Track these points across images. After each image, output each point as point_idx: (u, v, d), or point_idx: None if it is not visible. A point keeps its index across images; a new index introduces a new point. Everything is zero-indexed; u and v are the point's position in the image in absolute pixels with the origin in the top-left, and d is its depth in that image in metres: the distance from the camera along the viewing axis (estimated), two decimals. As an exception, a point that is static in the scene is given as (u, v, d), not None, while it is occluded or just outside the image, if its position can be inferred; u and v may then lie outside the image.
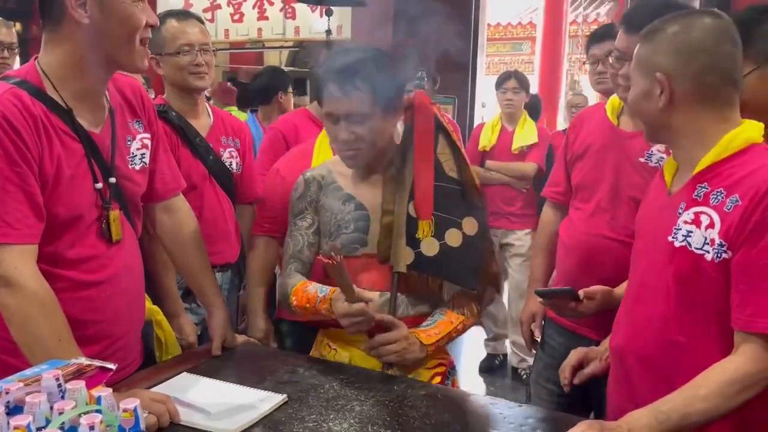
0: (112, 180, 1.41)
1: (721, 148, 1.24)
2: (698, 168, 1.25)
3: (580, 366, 1.34)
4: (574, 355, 1.36)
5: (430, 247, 1.52)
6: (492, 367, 4.00)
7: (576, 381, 1.31)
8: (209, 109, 2.24)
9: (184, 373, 1.46)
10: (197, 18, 2.17)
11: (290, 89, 3.63)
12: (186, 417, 1.25)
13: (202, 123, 2.16)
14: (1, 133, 1.23)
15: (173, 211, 1.65)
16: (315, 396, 1.36)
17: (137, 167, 1.50)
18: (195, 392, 1.38)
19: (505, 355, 4.10)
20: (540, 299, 1.70)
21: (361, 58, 1.49)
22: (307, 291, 1.52)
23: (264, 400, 1.33)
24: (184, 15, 2.13)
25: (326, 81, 1.49)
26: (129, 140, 1.48)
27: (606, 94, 2.36)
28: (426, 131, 1.56)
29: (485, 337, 4.13)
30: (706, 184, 1.24)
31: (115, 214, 1.40)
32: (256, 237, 1.94)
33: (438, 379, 1.58)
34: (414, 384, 1.46)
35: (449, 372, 1.64)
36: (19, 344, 1.25)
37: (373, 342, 1.47)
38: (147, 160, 1.53)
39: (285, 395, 1.34)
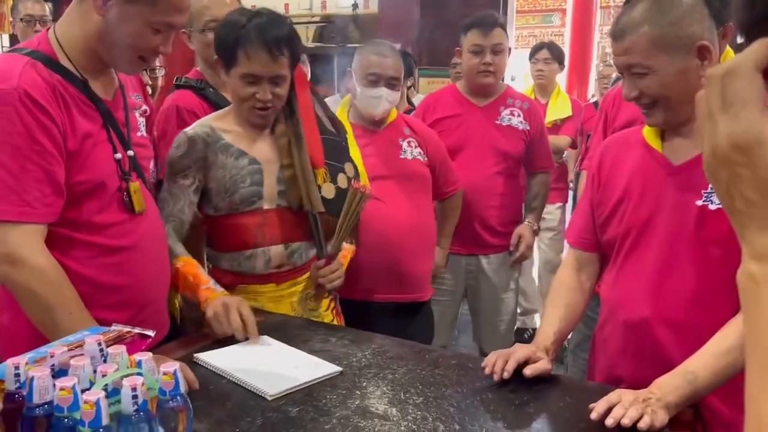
0: (131, 153, 1.44)
1: None
2: None
3: (525, 362, 1.30)
4: (521, 351, 1.31)
5: (328, 190, 1.76)
6: (522, 341, 3.97)
7: (527, 373, 1.27)
8: None
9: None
10: None
11: None
12: (236, 374, 1.31)
13: None
14: (23, 110, 1.24)
15: None
16: (347, 364, 1.38)
17: (145, 135, 1.55)
18: (253, 351, 1.44)
19: (534, 329, 4.09)
20: None
21: (287, 28, 1.65)
22: (198, 276, 1.60)
23: (318, 367, 1.35)
24: None
25: (256, 44, 1.59)
26: (136, 110, 1.52)
27: None
28: (306, 94, 1.79)
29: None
30: None
31: (135, 185, 1.43)
32: None
33: (333, 304, 1.84)
34: (445, 354, 1.47)
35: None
36: (32, 320, 1.29)
37: (323, 271, 1.70)
38: (146, 129, 1.57)
39: (341, 368, 1.35)
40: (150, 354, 0.96)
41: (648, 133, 1.39)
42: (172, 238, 1.63)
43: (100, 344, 0.99)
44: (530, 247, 2.79)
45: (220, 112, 1.77)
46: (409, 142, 2.21)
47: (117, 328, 1.13)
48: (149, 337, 1.14)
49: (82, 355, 0.95)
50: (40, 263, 1.26)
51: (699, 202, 1.27)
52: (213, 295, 1.54)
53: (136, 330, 1.14)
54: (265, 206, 1.69)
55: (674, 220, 1.30)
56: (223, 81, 2.12)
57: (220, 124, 1.71)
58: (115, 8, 1.31)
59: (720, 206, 1.25)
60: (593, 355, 1.50)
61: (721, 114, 0.50)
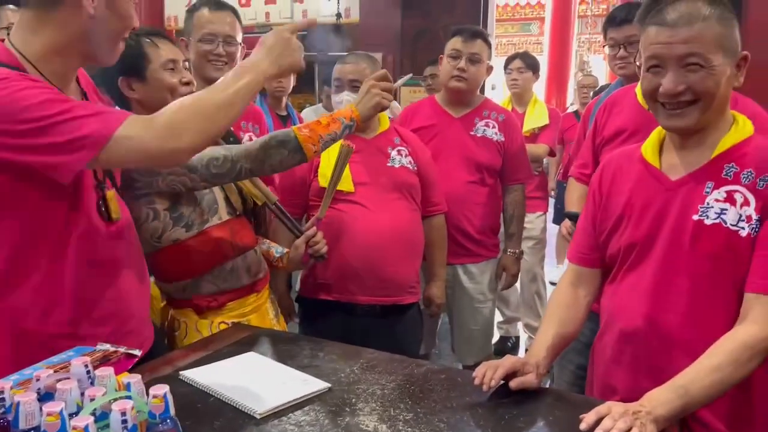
0: None
1: (740, 130, 1.31)
2: (720, 149, 1.30)
3: (513, 373, 1.30)
4: (510, 361, 1.31)
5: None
6: (505, 350, 4.01)
7: (513, 386, 1.28)
8: None
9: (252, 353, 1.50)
10: (232, 10, 2.21)
11: None
12: (224, 391, 1.29)
13: None
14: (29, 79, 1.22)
15: None
16: (336, 380, 1.37)
17: None
18: (240, 368, 1.42)
19: (517, 338, 4.12)
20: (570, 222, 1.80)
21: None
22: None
23: (307, 384, 1.34)
24: (217, 6, 2.19)
25: (161, 37, 1.70)
26: None
27: (629, 79, 2.29)
28: None
29: (498, 320, 4.14)
30: (733, 164, 1.29)
31: (111, 193, 1.41)
32: (276, 220, 1.99)
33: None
34: (433, 368, 1.47)
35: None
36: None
37: (317, 238, 1.89)
38: None
39: (329, 384, 1.34)
40: (139, 376, 0.94)
41: (646, 149, 1.40)
42: (247, 145, 1.64)
43: (86, 366, 0.97)
44: (516, 276, 2.79)
45: None
46: (399, 151, 2.23)
47: (103, 348, 1.11)
48: (135, 356, 1.13)
49: (68, 378, 0.93)
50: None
51: (695, 217, 1.29)
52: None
53: (122, 349, 1.12)
54: (224, 216, 1.73)
55: (672, 235, 1.31)
56: None
57: None
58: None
59: (715, 221, 1.27)
60: (592, 365, 1.51)
61: None
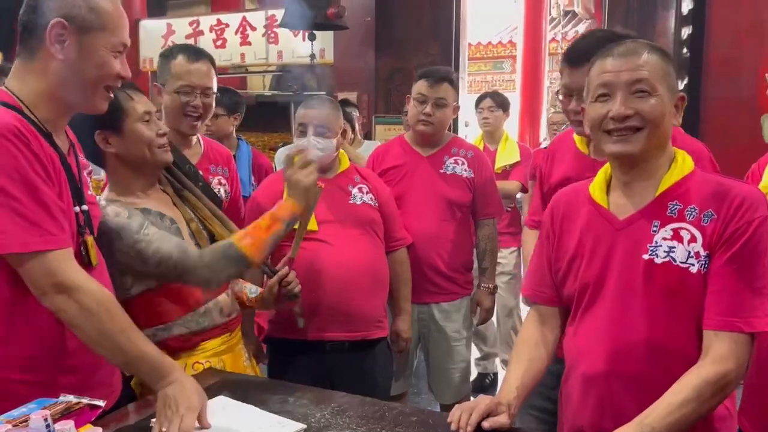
0: (85, 207, 1.42)
1: (679, 168, 1.34)
2: (663, 186, 1.33)
3: (488, 416, 1.30)
4: (484, 403, 1.31)
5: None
6: (483, 386, 3.99)
7: (485, 426, 1.27)
8: (200, 139, 2.27)
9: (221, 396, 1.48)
10: (209, 58, 2.15)
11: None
12: None
13: (193, 152, 2.20)
14: (22, 145, 1.24)
15: None
16: (307, 426, 1.35)
17: (93, 194, 1.53)
18: (213, 413, 1.38)
19: (495, 374, 4.10)
20: None
21: None
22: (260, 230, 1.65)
23: (282, 426, 1.32)
24: (195, 55, 2.13)
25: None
26: (85, 169, 1.50)
27: None
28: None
29: (476, 356, 4.12)
30: (677, 201, 1.31)
31: (91, 240, 1.41)
32: None
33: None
34: (405, 410, 1.46)
35: None
36: (86, 343, 1.29)
37: (290, 278, 1.87)
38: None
39: (305, 425, 1.34)
40: (100, 429, 0.93)
41: (594, 189, 1.42)
42: (203, 251, 1.64)
43: (46, 420, 0.95)
44: (490, 311, 2.77)
45: (109, 190, 1.72)
46: (360, 188, 2.28)
47: (65, 399, 1.09)
48: (99, 407, 1.11)
49: (27, 433, 0.92)
50: (91, 286, 1.28)
51: (645, 256, 1.30)
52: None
53: (85, 400, 1.10)
54: None
55: (624, 275, 1.32)
56: (182, 139, 2.14)
57: (125, 198, 1.69)
58: (73, 46, 1.31)
59: (665, 260, 1.29)
60: (561, 408, 1.50)
61: None
